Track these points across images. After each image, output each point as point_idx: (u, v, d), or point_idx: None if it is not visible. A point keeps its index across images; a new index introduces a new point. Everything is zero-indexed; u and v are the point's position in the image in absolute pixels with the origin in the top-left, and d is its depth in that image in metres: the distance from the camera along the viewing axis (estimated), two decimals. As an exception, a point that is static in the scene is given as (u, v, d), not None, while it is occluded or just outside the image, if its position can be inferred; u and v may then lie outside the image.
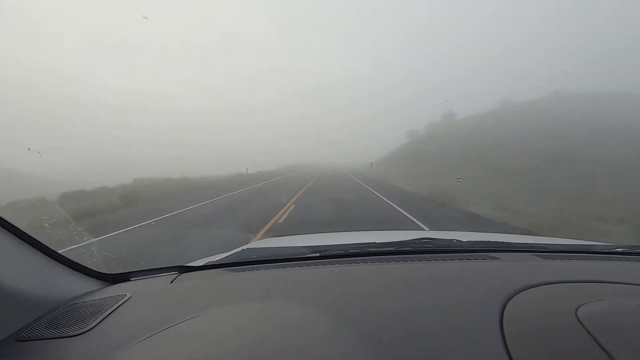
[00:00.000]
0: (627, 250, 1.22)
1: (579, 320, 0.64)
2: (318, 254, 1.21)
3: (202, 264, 1.23)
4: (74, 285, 1.02)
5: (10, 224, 0.87)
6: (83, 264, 1.07)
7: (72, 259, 1.04)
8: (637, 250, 1.21)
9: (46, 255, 0.96)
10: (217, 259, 1.27)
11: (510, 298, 0.75)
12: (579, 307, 0.68)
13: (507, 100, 50.69)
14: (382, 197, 11.98)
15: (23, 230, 0.90)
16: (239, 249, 1.44)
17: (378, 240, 1.35)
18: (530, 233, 5.78)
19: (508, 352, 0.57)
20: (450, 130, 43.83)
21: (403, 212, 8.43)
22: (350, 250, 1.24)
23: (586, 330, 0.61)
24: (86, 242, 2.64)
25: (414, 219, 7.36)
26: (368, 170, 38.93)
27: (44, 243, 0.95)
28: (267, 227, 6.65)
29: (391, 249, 1.25)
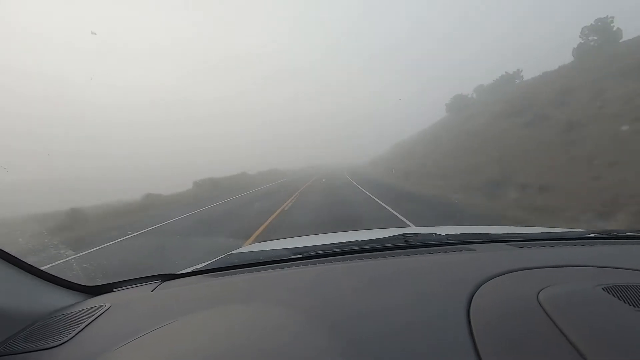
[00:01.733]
0: (599, 235, 1.26)
1: (540, 304, 0.66)
2: (300, 256, 1.23)
3: (186, 271, 1.23)
4: (54, 298, 1.02)
5: None
6: (63, 277, 1.07)
7: (51, 272, 1.04)
8: (611, 235, 1.25)
9: (23, 270, 0.96)
10: (202, 266, 1.27)
11: (478, 287, 0.78)
12: (540, 291, 0.71)
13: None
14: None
15: None
16: (224, 255, 1.45)
17: (359, 239, 1.36)
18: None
19: (473, 340, 0.59)
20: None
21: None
22: (332, 250, 1.25)
23: (546, 313, 0.63)
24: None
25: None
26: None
27: (19, 258, 0.95)
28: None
29: (372, 246, 1.27)
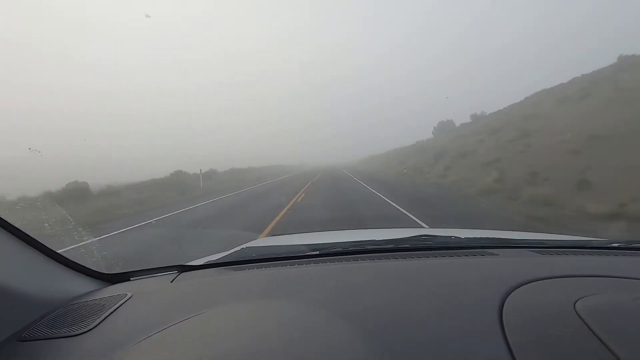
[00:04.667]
0: (623, 245, 1.24)
1: (577, 313, 0.65)
2: (318, 252, 1.22)
3: (201, 263, 1.23)
4: (74, 285, 1.03)
5: (9, 223, 0.87)
6: (82, 264, 1.08)
7: (71, 258, 1.04)
8: (633, 245, 1.23)
9: (45, 255, 0.97)
10: (217, 257, 1.27)
11: (509, 293, 0.76)
12: (577, 300, 0.69)
13: None
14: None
15: (22, 230, 0.90)
16: (238, 248, 1.45)
17: (377, 238, 1.35)
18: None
19: (508, 346, 0.58)
20: None
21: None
22: (350, 248, 1.25)
23: (584, 323, 0.62)
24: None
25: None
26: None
27: (43, 243, 0.95)
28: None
29: (390, 246, 1.26)
